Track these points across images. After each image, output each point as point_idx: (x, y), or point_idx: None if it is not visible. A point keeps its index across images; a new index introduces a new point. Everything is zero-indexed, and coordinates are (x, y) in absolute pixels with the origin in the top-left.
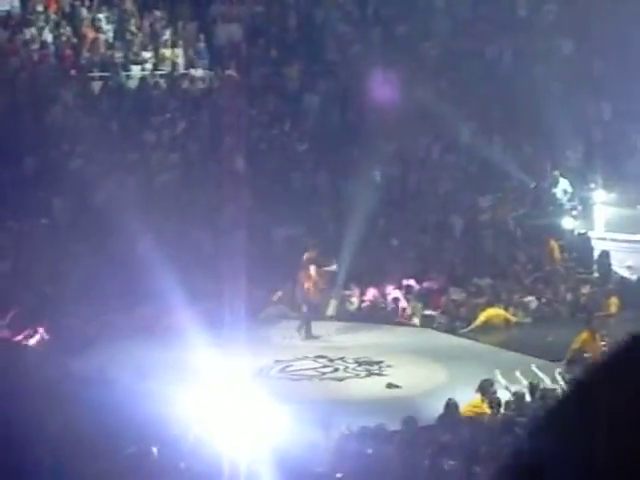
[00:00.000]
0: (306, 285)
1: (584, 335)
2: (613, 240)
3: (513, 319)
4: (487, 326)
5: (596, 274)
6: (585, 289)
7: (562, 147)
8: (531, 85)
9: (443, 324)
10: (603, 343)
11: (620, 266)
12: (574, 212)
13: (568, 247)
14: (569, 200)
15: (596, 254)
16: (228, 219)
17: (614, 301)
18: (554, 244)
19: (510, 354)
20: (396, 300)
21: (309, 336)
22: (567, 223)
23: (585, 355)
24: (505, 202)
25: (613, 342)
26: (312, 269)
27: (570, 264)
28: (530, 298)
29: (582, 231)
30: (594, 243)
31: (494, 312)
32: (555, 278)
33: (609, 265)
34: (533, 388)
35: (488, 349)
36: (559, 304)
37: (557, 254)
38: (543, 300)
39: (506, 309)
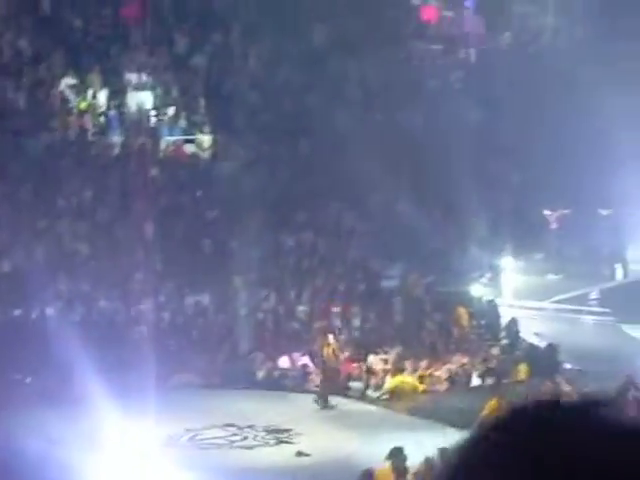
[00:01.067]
0: (325, 353)
1: (493, 402)
2: (521, 307)
3: (422, 386)
4: (397, 393)
5: (505, 341)
6: (494, 356)
7: (472, 215)
8: (443, 152)
9: (354, 390)
10: None
11: (529, 333)
12: (483, 279)
13: (477, 314)
14: (478, 268)
15: (505, 321)
16: (138, 286)
17: (523, 368)
18: (463, 311)
19: (421, 421)
20: (305, 367)
21: (326, 406)
22: (476, 290)
23: None
24: (415, 269)
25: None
26: (330, 337)
27: (479, 331)
28: (440, 365)
29: (490, 298)
30: (503, 310)
31: (403, 379)
32: (464, 345)
33: (517, 332)
34: (443, 455)
35: (399, 416)
36: (469, 371)
37: (466, 321)
38: (453, 367)
39: (419, 377)
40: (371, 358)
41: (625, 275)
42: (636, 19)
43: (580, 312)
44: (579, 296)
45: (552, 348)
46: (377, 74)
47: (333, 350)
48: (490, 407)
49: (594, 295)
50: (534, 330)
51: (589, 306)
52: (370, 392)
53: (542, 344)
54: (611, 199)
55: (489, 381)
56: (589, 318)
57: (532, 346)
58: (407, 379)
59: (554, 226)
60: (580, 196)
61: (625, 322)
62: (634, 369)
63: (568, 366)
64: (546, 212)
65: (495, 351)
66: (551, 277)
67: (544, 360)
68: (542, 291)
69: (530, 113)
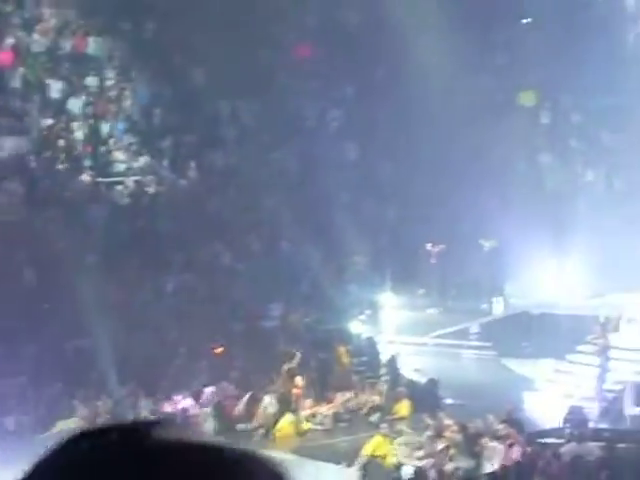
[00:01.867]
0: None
1: (376, 439)
2: (402, 343)
3: (306, 426)
4: (281, 434)
5: (386, 377)
6: (377, 393)
7: (350, 252)
8: (319, 190)
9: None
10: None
11: (409, 369)
12: (362, 316)
13: (357, 351)
14: (358, 305)
15: (385, 357)
16: (19, 333)
17: (405, 404)
18: (342, 349)
19: (305, 461)
20: (185, 410)
21: None
22: (355, 327)
23: (379, 458)
24: (295, 308)
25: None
26: (298, 379)
27: (359, 368)
28: (323, 404)
29: (370, 335)
30: (384, 346)
31: (287, 420)
32: (345, 383)
33: (398, 368)
34: None
35: (282, 457)
36: (352, 409)
37: (346, 359)
38: (337, 405)
39: (304, 416)
40: (267, 399)
41: (504, 309)
42: (498, 54)
43: (461, 346)
44: (459, 330)
45: (433, 383)
46: (252, 113)
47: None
48: (373, 444)
49: (474, 329)
50: (415, 366)
51: (469, 340)
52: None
53: (423, 379)
54: (491, 232)
55: (373, 418)
56: (469, 352)
57: (413, 382)
58: (292, 419)
59: (434, 261)
60: (460, 230)
61: (505, 356)
62: (514, 402)
63: (449, 401)
64: (427, 246)
65: (378, 388)
66: (431, 312)
67: (425, 395)
68: (423, 326)
69: (408, 148)
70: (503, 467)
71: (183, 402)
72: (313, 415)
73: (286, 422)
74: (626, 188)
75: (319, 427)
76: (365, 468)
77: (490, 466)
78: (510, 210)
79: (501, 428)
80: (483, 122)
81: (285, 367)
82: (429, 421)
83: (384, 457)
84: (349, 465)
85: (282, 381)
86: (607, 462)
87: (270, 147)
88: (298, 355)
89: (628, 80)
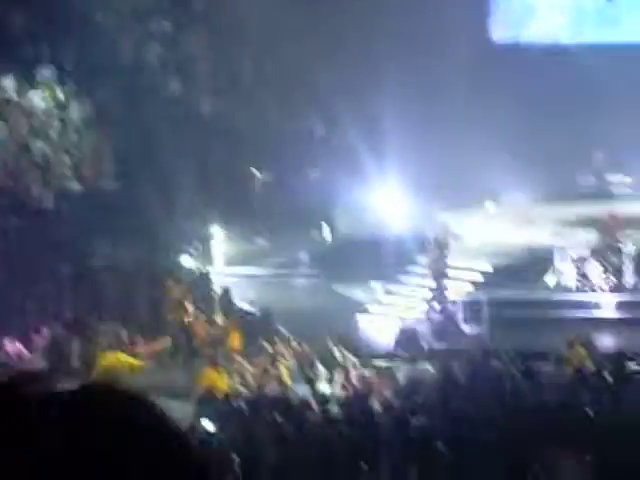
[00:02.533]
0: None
1: (209, 372)
2: (234, 275)
3: (138, 363)
4: (110, 372)
5: (218, 310)
6: (208, 325)
7: (177, 185)
8: (142, 125)
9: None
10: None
11: (242, 300)
12: (192, 250)
13: (189, 286)
14: (187, 238)
15: (217, 290)
16: None
17: (237, 336)
18: (173, 284)
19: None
20: (18, 355)
21: None
22: (185, 261)
23: (214, 392)
24: (123, 245)
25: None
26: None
27: (193, 302)
28: (154, 340)
29: (200, 268)
30: (215, 279)
31: (116, 357)
32: (176, 318)
33: (231, 300)
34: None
35: None
36: (182, 343)
37: (177, 294)
38: (171, 341)
39: (134, 354)
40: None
41: (333, 235)
42: None
43: (292, 275)
44: (290, 259)
45: (266, 313)
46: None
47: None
48: (205, 377)
49: (304, 257)
50: (247, 296)
51: (300, 268)
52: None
53: (256, 310)
54: (317, 159)
55: (207, 351)
56: (301, 280)
57: (246, 313)
58: (122, 357)
59: (261, 190)
60: (286, 158)
61: (335, 281)
62: (346, 328)
63: (283, 329)
64: (254, 176)
65: (210, 320)
66: (260, 242)
67: (259, 326)
68: (253, 257)
69: (231, 81)
70: (342, 391)
71: (11, 346)
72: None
73: (116, 360)
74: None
75: (151, 363)
76: (199, 402)
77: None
78: (334, 136)
79: (337, 354)
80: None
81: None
82: (267, 349)
83: (217, 389)
84: (184, 400)
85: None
86: (442, 382)
87: (89, 87)
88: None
89: None
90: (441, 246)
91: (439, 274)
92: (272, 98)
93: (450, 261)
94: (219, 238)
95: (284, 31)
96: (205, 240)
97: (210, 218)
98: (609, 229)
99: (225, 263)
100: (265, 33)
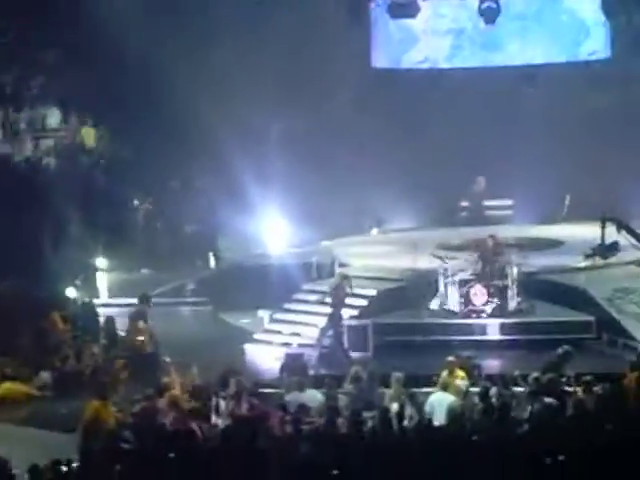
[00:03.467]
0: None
1: (95, 404)
2: (119, 305)
3: (34, 392)
4: (4, 402)
5: (103, 341)
6: (93, 357)
7: (62, 217)
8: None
9: None
10: (115, 410)
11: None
12: (77, 281)
13: (73, 316)
14: (72, 269)
15: (101, 321)
16: None
17: (121, 364)
18: (56, 316)
19: (26, 430)
20: None
21: None
22: (70, 292)
23: (99, 424)
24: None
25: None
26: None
27: (77, 333)
28: (41, 372)
29: (86, 299)
30: (99, 310)
31: (12, 386)
32: (63, 349)
33: (115, 331)
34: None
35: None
36: (70, 374)
37: (61, 325)
38: (55, 372)
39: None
40: None
41: (219, 263)
42: None
43: (177, 304)
44: (175, 288)
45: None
46: None
47: None
48: (91, 409)
49: (190, 286)
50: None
51: (186, 297)
52: None
53: (140, 340)
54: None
55: (90, 380)
56: (187, 309)
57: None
58: (15, 387)
59: (143, 220)
60: (169, 186)
61: (222, 310)
62: (234, 356)
63: (169, 359)
64: (135, 204)
65: (94, 352)
66: (145, 272)
67: (145, 357)
68: (138, 287)
69: (113, 111)
70: (233, 421)
71: None
72: (35, 381)
73: (9, 390)
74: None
75: (38, 393)
76: (85, 434)
77: (220, 422)
78: (219, 163)
79: (230, 383)
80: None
81: None
82: (161, 380)
83: (103, 421)
84: (70, 431)
85: None
86: (329, 408)
87: None
88: None
89: None
90: (326, 273)
91: (323, 300)
92: (155, 129)
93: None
94: (104, 269)
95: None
96: (90, 271)
97: (94, 249)
98: (492, 253)
99: (110, 294)
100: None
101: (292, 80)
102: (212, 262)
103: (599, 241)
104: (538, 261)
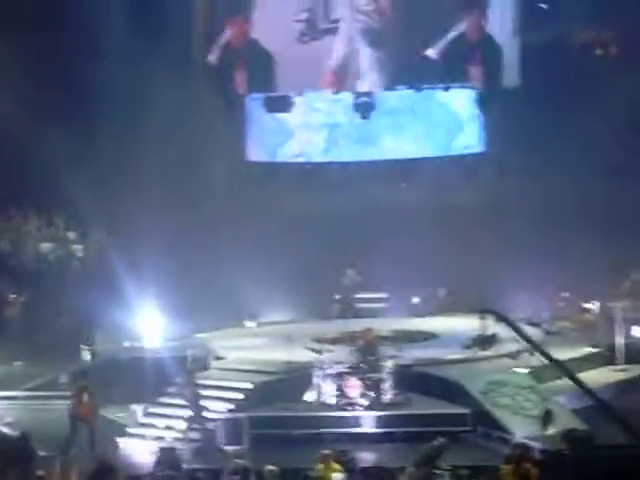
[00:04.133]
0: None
1: None
2: None
3: None
4: None
5: None
6: None
7: None
8: None
9: None
10: None
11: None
12: None
13: None
14: None
15: None
16: None
17: None
18: None
19: None
20: None
21: None
22: None
23: None
24: None
25: None
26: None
27: None
28: None
29: None
30: None
31: None
32: None
33: None
34: None
35: None
36: None
37: None
38: None
39: None
40: None
41: (92, 356)
42: None
43: (51, 397)
44: (49, 381)
45: (24, 437)
46: None
47: None
48: None
49: (63, 379)
50: (6, 420)
51: (60, 390)
52: None
53: (15, 433)
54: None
55: None
56: (61, 402)
57: (5, 436)
58: None
59: (18, 312)
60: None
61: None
62: (108, 450)
63: (42, 454)
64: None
65: None
66: (19, 364)
67: (17, 450)
68: (11, 380)
69: None
70: None
71: None
72: None
73: None
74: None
75: None
76: None
77: None
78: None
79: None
80: None
81: None
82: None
83: None
84: None
85: None
86: None
87: None
88: None
89: None
90: (201, 366)
91: (198, 393)
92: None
93: (210, 380)
94: None
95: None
96: None
97: None
98: (367, 346)
99: None
100: None
101: (168, 173)
102: (87, 355)
103: (477, 333)
104: (413, 354)
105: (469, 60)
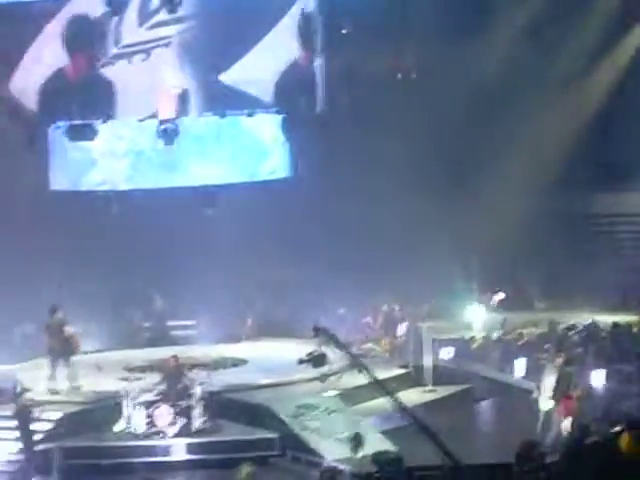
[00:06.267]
0: None
1: None
2: None
3: None
4: None
5: None
6: None
7: None
8: None
9: None
10: None
11: None
12: None
13: None
14: None
15: None
16: None
17: None
18: None
19: None
20: None
21: None
22: None
23: None
24: None
25: None
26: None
27: None
28: None
29: None
30: None
31: None
32: None
33: None
34: None
35: None
36: None
37: None
38: None
39: None
40: None
41: None
42: None
43: None
44: None
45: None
46: None
47: None
48: None
49: None
50: None
51: None
52: None
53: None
54: None
55: None
56: None
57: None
58: None
59: None
60: None
61: None
62: None
63: None
64: None
65: None
66: None
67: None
68: None
69: None
70: None
71: None
72: None
73: None
74: None
75: None
76: None
77: None
78: None
79: None
80: None
81: None
82: None
83: None
84: None
85: None
86: None
87: None
88: None
89: None
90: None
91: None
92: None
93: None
94: None
95: None
96: None
97: None
98: (175, 373)
99: None
100: None
101: None
102: None
103: (311, 350)
104: (223, 380)
105: (276, 85)
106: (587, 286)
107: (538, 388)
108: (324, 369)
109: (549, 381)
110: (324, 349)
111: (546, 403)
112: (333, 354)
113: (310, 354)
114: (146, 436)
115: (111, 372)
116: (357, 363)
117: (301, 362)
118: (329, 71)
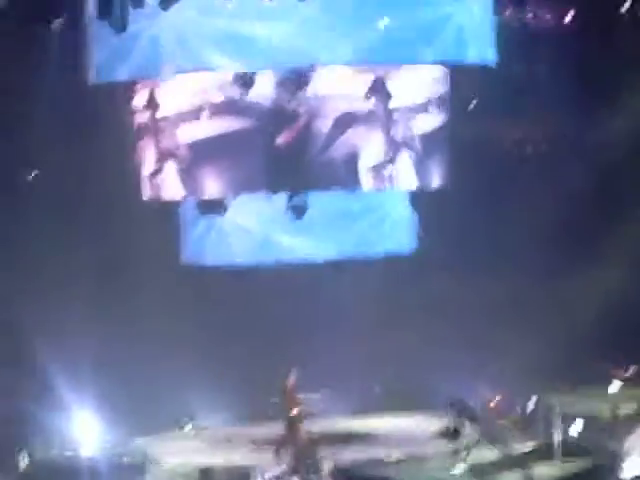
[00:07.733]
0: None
1: None
2: None
3: None
4: None
5: None
6: None
7: None
8: None
9: None
10: None
11: None
12: None
13: None
14: None
15: None
16: None
17: None
18: None
19: None
20: None
21: None
22: None
23: None
24: None
25: None
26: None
27: None
28: None
29: None
30: None
31: None
32: None
33: None
34: None
35: None
36: None
37: None
38: None
39: None
40: None
41: (28, 463)
42: None
43: None
44: None
45: None
46: None
47: None
48: None
49: None
50: None
51: None
52: None
53: None
54: None
55: None
56: None
57: None
58: None
59: None
60: None
61: None
62: None
63: None
64: None
65: None
66: None
67: None
68: None
69: None
70: None
71: None
72: None
73: None
74: None
75: None
76: None
77: None
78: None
79: None
80: None
81: None
82: None
83: None
84: None
85: None
86: None
87: None
88: None
89: None
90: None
91: None
92: None
93: None
94: None
95: None
96: None
97: None
98: (305, 448)
99: None
100: None
101: (101, 276)
102: (23, 462)
103: (446, 425)
104: (350, 455)
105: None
106: None
107: None
108: (457, 443)
109: None
110: (458, 423)
111: None
112: (466, 428)
113: (447, 428)
114: None
115: (240, 445)
116: (493, 438)
117: (440, 436)
118: (455, 145)
